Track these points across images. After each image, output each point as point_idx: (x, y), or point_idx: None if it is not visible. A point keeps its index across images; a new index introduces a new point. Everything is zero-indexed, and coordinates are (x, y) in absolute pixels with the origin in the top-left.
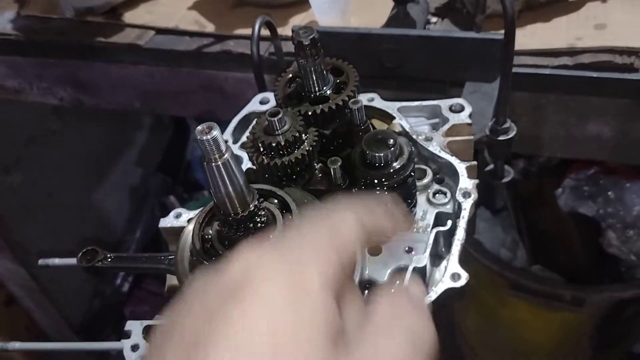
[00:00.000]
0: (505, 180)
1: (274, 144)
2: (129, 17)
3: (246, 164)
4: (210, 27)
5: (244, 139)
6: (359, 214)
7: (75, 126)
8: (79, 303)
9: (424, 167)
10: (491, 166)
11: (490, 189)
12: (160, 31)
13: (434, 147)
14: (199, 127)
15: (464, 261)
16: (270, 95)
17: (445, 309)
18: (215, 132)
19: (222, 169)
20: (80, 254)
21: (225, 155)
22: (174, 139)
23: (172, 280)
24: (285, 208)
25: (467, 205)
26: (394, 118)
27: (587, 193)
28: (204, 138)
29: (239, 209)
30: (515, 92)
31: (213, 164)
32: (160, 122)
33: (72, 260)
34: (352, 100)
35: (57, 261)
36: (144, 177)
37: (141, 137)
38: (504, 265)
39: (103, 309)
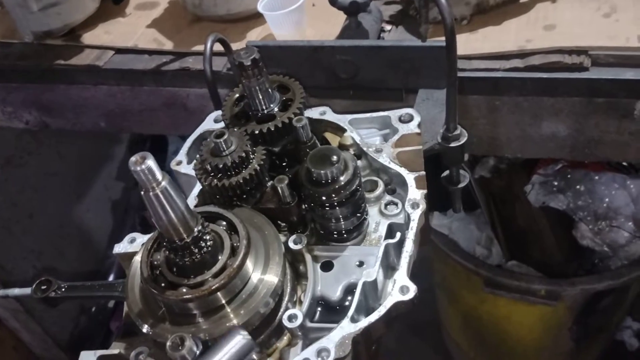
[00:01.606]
0: (461, 185)
1: (221, 165)
2: (88, 38)
3: (200, 185)
4: (168, 45)
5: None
6: None
7: (51, 145)
8: (65, 321)
9: (375, 178)
10: (447, 172)
11: (448, 195)
12: (119, 51)
13: (384, 159)
14: (132, 158)
15: (436, 256)
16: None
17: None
18: (149, 162)
19: (161, 197)
20: (34, 284)
21: (163, 184)
22: (152, 151)
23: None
24: (232, 229)
25: (415, 216)
26: (345, 130)
27: (557, 187)
28: (138, 169)
29: (183, 234)
30: (470, 96)
31: (150, 192)
32: (138, 136)
33: (28, 291)
34: (296, 118)
35: (16, 291)
36: (124, 192)
37: (119, 151)
38: (479, 263)
39: (89, 326)
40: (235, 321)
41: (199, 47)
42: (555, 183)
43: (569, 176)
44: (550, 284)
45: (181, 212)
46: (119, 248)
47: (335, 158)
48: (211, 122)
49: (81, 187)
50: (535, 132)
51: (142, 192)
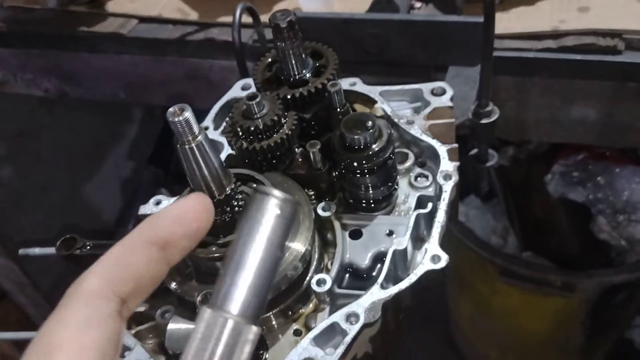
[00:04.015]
0: (489, 164)
1: (252, 128)
2: (112, 6)
3: (227, 151)
4: (193, 15)
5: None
6: (89, 285)
7: (65, 120)
8: None
9: (405, 150)
10: (475, 150)
11: (476, 174)
12: (143, 20)
13: (416, 131)
14: (171, 109)
15: (450, 244)
16: (252, 82)
17: (429, 292)
18: (187, 114)
19: (196, 151)
20: (58, 242)
21: (199, 138)
22: (165, 131)
23: None
24: None
25: (447, 187)
26: (375, 102)
27: (577, 179)
28: (176, 120)
29: (215, 192)
30: (499, 76)
31: (186, 146)
32: (151, 115)
33: (52, 250)
34: (330, 82)
35: (37, 251)
36: (135, 170)
37: (132, 129)
38: (495, 252)
39: None
40: None
41: (224, 19)
42: (576, 174)
43: (590, 167)
44: (567, 275)
45: (215, 168)
46: (145, 209)
47: (370, 124)
48: (238, 90)
49: (92, 163)
50: (565, 116)
51: (178, 145)
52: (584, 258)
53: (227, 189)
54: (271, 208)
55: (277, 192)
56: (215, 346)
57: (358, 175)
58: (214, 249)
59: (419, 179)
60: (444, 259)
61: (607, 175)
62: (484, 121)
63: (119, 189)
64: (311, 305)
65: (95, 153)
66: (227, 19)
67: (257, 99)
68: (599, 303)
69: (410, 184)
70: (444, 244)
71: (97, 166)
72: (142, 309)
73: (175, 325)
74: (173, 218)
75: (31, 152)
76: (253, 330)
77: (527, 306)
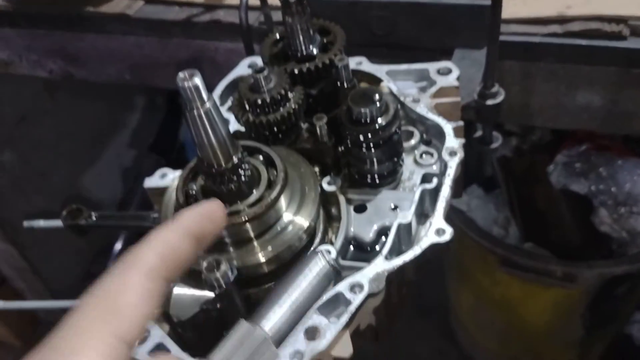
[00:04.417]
0: (493, 146)
1: (259, 101)
2: None
3: (233, 126)
4: None
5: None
6: (147, 263)
7: (67, 106)
8: (70, 284)
9: (411, 128)
10: (480, 133)
11: (479, 159)
12: (149, 1)
13: (421, 109)
14: (180, 74)
15: (456, 240)
16: (258, 60)
17: (430, 265)
18: (197, 80)
19: (204, 118)
20: (64, 212)
21: (207, 105)
22: (167, 120)
23: None
24: (270, 164)
25: (453, 163)
26: (381, 81)
27: (579, 170)
28: (186, 85)
29: (222, 160)
30: (505, 61)
31: (195, 112)
32: (153, 103)
33: (58, 222)
34: (338, 57)
35: (42, 223)
36: (136, 159)
37: (134, 117)
38: (496, 242)
39: None
40: (261, 254)
41: (231, 0)
42: (578, 165)
43: (592, 158)
44: (568, 266)
45: (223, 137)
46: (150, 182)
47: (377, 97)
48: (245, 68)
49: (94, 151)
50: (569, 101)
51: (187, 111)
52: (585, 250)
53: (234, 158)
54: (319, 268)
55: (332, 261)
56: (239, 349)
57: (364, 150)
58: None
59: (424, 156)
60: (449, 232)
61: (609, 167)
62: (489, 102)
63: (120, 177)
64: None
65: (97, 140)
66: (234, 0)
67: (265, 73)
68: (599, 295)
69: (415, 162)
70: (448, 219)
71: (99, 153)
72: None
73: (181, 291)
74: (206, 215)
75: (33, 137)
76: (273, 350)
77: (528, 297)
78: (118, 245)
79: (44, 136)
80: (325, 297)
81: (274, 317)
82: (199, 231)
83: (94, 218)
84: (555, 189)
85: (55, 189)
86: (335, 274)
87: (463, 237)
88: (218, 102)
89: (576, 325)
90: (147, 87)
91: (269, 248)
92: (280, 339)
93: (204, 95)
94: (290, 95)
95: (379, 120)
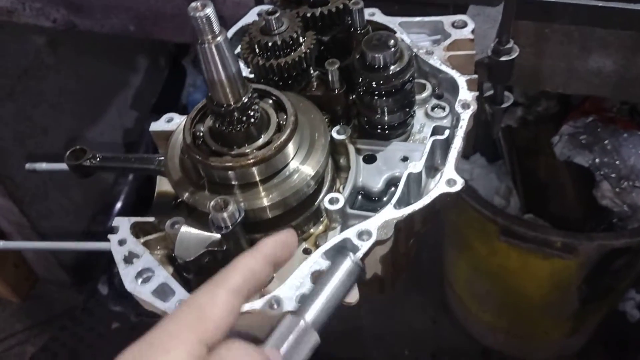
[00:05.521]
0: (504, 105)
1: (270, 44)
2: None
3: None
4: None
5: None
6: (233, 284)
7: (70, 62)
8: (71, 240)
9: (423, 81)
10: (491, 92)
11: (490, 117)
12: None
13: (435, 61)
14: (192, 4)
15: (455, 209)
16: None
17: (436, 217)
18: (209, 10)
19: (215, 51)
20: (68, 152)
21: (219, 38)
22: (169, 82)
23: (161, 185)
24: (280, 109)
25: (465, 116)
26: (394, 32)
27: (584, 141)
28: (197, 15)
29: (231, 99)
30: (520, 21)
31: (206, 45)
32: (156, 64)
33: (61, 165)
34: (352, 1)
35: (44, 165)
36: (138, 120)
37: (137, 78)
38: (497, 211)
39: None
40: (267, 198)
41: None
42: (584, 137)
43: (598, 130)
44: (568, 237)
45: (233, 73)
46: (155, 126)
47: (392, 42)
48: (254, 16)
49: (96, 110)
50: (582, 65)
51: (198, 44)
52: (585, 223)
53: (244, 98)
54: (349, 267)
55: (354, 259)
56: (289, 336)
57: (376, 97)
58: (228, 158)
59: (435, 109)
60: (460, 182)
61: (614, 140)
62: (503, 58)
63: (121, 138)
64: (321, 227)
65: (99, 100)
66: None
67: (277, 14)
68: (597, 268)
69: (427, 115)
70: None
71: (101, 113)
72: (151, 219)
73: (187, 229)
74: (282, 243)
75: (34, 92)
76: (315, 336)
77: (526, 268)
78: (118, 205)
79: (46, 91)
80: (332, 242)
81: (315, 309)
82: (276, 257)
83: (98, 159)
84: (559, 160)
85: (56, 146)
86: (360, 270)
87: (464, 206)
88: None
89: (572, 297)
90: (150, 47)
91: (275, 192)
92: (321, 326)
93: (216, 27)
94: (301, 39)
95: (393, 66)
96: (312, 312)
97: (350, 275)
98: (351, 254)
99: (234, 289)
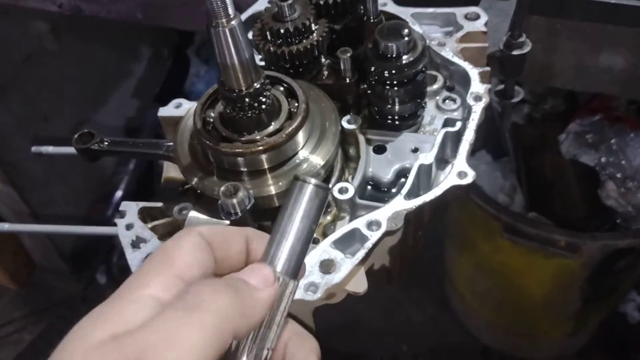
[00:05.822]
0: (515, 100)
1: (282, 31)
2: None
3: None
4: None
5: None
6: (199, 229)
7: (73, 49)
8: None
9: (434, 73)
10: (501, 86)
11: (501, 111)
12: None
13: (447, 53)
14: None
15: (455, 199)
16: None
17: (445, 210)
18: None
19: (229, 35)
20: (76, 135)
21: (233, 22)
22: (173, 72)
23: (168, 172)
24: (291, 96)
25: (477, 108)
26: (406, 23)
27: (591, 140)
28: None
29: (243, 85)
30: (532, 16)
31: (220, 28)
32: (159, 54)
33: (68, 149)
34: None
35: (50, 149)
36: (140, 109)
37: (140, 67)
38: (501, 208)
39: (93, 238)
40: (275, 186)
41: None
42: (590, 136)
43: (605, 129)
44: (572, 236)
45: (246, 58)
46: (164, 111)
47: (406, 31)
48: (264, 3)
49: (98, 97)
50: (592, 62)
51: (212, 27)
52: (590, 223)
53: (256, 83)
54: (309, 192)
55: (314, 180)
56: None
57: (387, 87)
58: (238, 144)
59: (446, 101)
60: (471, 175)
61: (620, 139)
62: (515, 52)
63: (123, 127)
64: (329, 217)
65: (101, 88)
66: None
67: (289, 1)
68: (599, 268)
69: (438, 107)
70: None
71: (103, 101)
72: (159, 204)
73: (195, 215)
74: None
75: (37, 78)
76: (293, 284)
77: (528, 266)
78: (118, 193)
79: (49, 78)
80: (341, 232)
81: (282, 255)
82: (252, 236)
83: (105, 143)
84: (564, 159)
85: (58, 133)
86: (323, 190)
87: (467, 203)
88: None
89: (574, 297)
90: (154, 36)
91: (284, 181)
92: (294, 270)
93: (231, 10)
94: (314, 27)
95: (406, 56)
96: (282, 261)
97: (312, 200)
98: (307, 177)
99: (199, 232)
